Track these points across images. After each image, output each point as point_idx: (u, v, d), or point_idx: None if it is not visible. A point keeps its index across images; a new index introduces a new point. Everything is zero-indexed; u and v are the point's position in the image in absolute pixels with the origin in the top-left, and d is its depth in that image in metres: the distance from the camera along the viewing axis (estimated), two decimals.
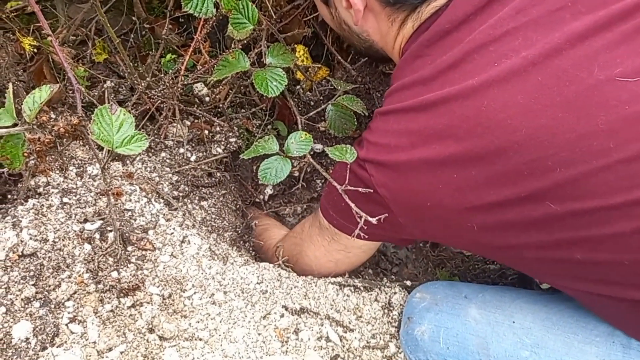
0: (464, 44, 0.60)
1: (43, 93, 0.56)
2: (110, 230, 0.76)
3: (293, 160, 0.74)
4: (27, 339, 0.66)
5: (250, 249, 1.00)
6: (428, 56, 0.63)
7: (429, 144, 0.60)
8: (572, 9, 0.57)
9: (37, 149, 0.54)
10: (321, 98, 1.04)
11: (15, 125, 0.56)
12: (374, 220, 0.64)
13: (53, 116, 0.85)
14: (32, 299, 0.69)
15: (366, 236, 0.67)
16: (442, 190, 0.61)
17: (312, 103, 1.12)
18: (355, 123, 0.76)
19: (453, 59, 0.60)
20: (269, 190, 1.17)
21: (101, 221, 0.77)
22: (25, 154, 0.55)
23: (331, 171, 0.77)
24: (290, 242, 0.91)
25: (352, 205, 0.66)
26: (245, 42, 0.78)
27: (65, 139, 0.55)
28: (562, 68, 0.55)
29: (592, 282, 0.62)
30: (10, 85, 0.59)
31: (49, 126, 0.55)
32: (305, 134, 0.73)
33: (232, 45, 0.78)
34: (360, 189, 0.67)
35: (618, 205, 0.54)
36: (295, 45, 0.96)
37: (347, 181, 0.68)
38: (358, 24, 0.72)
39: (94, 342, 0.67)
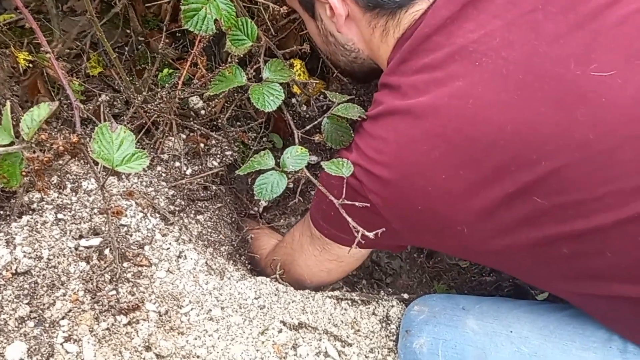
0: (445, 46, 0.62)
1: (41, 111, 0.55)
2: (106, 247, 0.76)
3: (288, 174, 0.73)
4: None
5: (246, 262, 1.00)
6: (412, 60, 0.65)
7: (417, 146, 0.61)
8: (543, 11, 0.60)
9: (36, 167, 0.54)
10: (318, 113, 1.05)
11: (13, 143, 0.56)
12: (371, 235, 0.64)
13: (48, 130, 0.84)
14: (26, 319, 0.68)
15: (361, 242, 0.67)
16: (432, 193, 0.61)
17: (307, 115, 1.13)
18: (352, 135, 0.76)
19: (436, 61, 0.62)
20: (263, 202, 1.17)
21: (97, 237, 0.76)
22: (24, 173, 0.54)
23: (319, 179, 0.76)
24: (281, 252, 0.91)
25: (349, 219, 0.66)
26: (241, 56, 0.79)
27: (63, 157, 0.54)
28: (541, 66, 0.58)
29: (580, 280, 0.63)
30: (8, 102, 0.58)
31: (47, 144, 0.54)
32: (301, 149, 0.73)
33: (229, 60, 0.78)
34: (354, 200, 0.66)
35: (599, 197, 0.56)
36: (293, 60, 0.96)
37: (336, 190, 0.67)
38: (341, 30, 0.74)
39: None
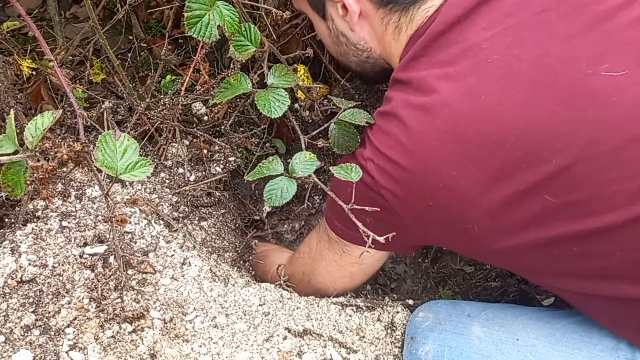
0: (458, 43, 0.62)
1: (45, 119, 0.55)
2: (111, 254, 0.75)
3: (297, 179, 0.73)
4: None
5: (250, 268, 1.00)
6: (424, 57, 0.65)
7: (428, 142, 0.61)
8: (556, 10, 0.61)
9: (40, 176, 0.54)
10: (321, 117, 1.04)
11: (17, 152, 0.56)
12: (381, 240, 0.62)
13: (52, 138, 0.84)
14: (31, 327, 0.68)
15: (377, 242, 0.66)
16: (443, 189, 0.61)
17: (310, 120, 1.12)
18: (359, 140, 0.76)
19: (449, 57, 0.62)
20: (267, 208, 1.17)
21: (102, 245, 0.76)
22: (28, 182, 0.54)
23: (331, 181, 0.76)
24: (299, 263, 0.88)
25: (359, 224, 0.65)
26: (244, 61, 0.79)
27: (67, 165, 0.54)
28: (553, 65, 0.58)
29: (587, 279, 0.62)
30: (12, 111, 0.58)
31: (51, 153, 0.54)
32: (310, 154, 0.72)
33: (232, 65, 0.78)
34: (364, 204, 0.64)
35: (608, 196, 0.56)
36: (296, 65, 0.96)
37: (349, 189, 0.66)
38: (354, 29, 0.74)
39: None
